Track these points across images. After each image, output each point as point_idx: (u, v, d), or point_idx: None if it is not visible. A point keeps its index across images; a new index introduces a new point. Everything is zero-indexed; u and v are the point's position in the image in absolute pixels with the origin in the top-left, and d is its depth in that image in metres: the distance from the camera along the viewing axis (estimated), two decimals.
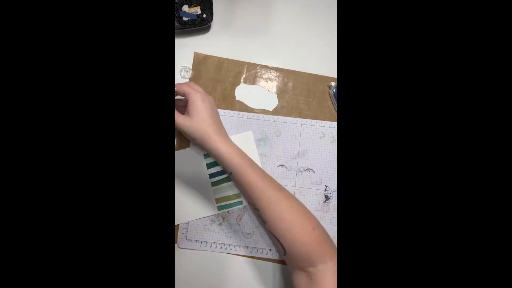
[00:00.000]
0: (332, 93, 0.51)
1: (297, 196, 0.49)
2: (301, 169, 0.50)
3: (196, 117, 0.43)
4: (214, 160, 0.49)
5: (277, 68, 0.53)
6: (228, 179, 0.49)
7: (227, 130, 0.50)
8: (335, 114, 0.51)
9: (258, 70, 0.53)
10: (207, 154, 0.50)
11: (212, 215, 0.48)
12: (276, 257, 0.48)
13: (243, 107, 0.51)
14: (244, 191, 0.44)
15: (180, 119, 0.43)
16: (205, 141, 0.43)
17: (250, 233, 0.48)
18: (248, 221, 0.48)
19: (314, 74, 0.53)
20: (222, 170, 0.49)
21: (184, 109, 0.45)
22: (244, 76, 0.52)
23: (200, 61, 0.52)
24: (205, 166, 0.49)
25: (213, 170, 0.49)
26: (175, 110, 0.45)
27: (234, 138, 0.50)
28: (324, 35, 0.54)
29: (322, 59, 0.53)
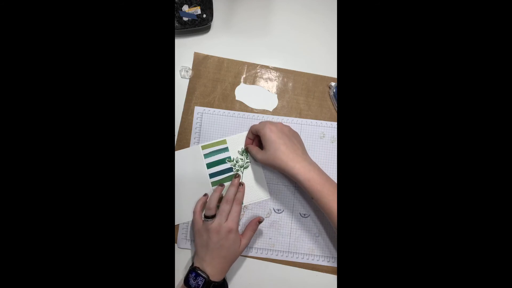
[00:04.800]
0: (332, 93, 0.51)
1: (297, 196, 0.49)
2: None
3: (269, 150, 0.43)
4: (214, 160, 0.49)
5: (277, 68, 0.53)
6: (228, 179, 0.49)
7: (227, 130, 0.50)
8: (335, 114, 0.51)
9: (258, 70, 0.53)
10: (207, 154, 0.50)
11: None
12: (276, 257, 0.48)
13: (243, 107, 0.51)
14: (326, 215, 0.43)
15: (258, 155, 0.45)
16: (285, 170, 0.43)
17: None
18: (248, 221, 0.48)
19: (314, 74, 0.53)
20: (222, 170, 0.49)
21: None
22: (244, 76, 0.52)
23: (200, 61, 0.52)
24: (205, 166, 0.49)
25: (213, 170, 0.49)
26: (255, 146, 0.47)
27: (234, 138, 0.50)
28: (324, 35, 0.54)
29: (322, 59, 0.53)
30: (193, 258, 0.47)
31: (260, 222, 0.46)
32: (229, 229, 0.43)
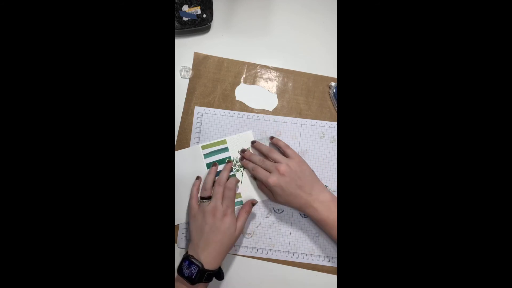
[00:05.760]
0: (332, 93, 0.51)
1: None
2: None
3: (280, 201, 0.45)
4: (214, 160, 0.49)
5: (277, 68, 0.53)
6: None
7: (227, 130, 0.50)
8: (335, 114, 0.51)
9: (258, 70, 0.53)
10: (207, 154, 0.50)
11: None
12: (276, 257, 0.48)
13: (243, 107, 0.51)
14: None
15: (272, 199, 0.47)
16: (301, 210, 0.45)
17: (250, 233, 0.48)
18: (248, 221, 0.48)
19: (314, 74, 0.53)
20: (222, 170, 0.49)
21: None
22: (244, 76, 0.52)
23: (200, 61, 0.52)
24: (205, 166, 0.49)
25: None
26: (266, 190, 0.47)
27: (234, 138, 0.50)
28: (324, 35, 0.54)
29: (322, 59, 0.53)
30: (187, 247, 0.47)
31: (253, 204, 0.46)
32: (224, 212, 0.43)
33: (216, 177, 0.47)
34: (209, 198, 0.44)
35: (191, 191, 0.47)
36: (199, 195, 0.46)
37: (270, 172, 0.45)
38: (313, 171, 0.46)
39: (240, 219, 0.44)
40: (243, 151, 0.49)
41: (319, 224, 0.44)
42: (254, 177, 0.48)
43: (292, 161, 0.45)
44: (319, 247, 0.48)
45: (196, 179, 0.48)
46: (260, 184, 0.48)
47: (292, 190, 0.43)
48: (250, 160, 0.48)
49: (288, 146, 0.47)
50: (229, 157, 0.50)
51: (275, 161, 0.46)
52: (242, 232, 0.45)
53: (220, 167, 0.49)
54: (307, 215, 0.45)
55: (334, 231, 0.43)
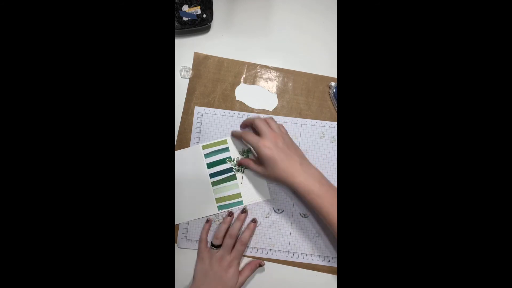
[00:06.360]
0: (332, 93, 0.51)
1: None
2: None
3: (267, 168, 0.44)
4: (215, 160, 0.49)
5: (277, 68, 0.53)
6: (228, 179, 0.49)
7: (227, 130, 0.50)
8: (335, 114, 0.51)
9: (258, 70, 0.53)
10: (207, 154, 0.50)
11: (212, 215, 0.48)
12: (276, 257, 0.48)
13: (243, 107, 0.51)
14: (328, 226, 0.43)
15: (258, 170, 0.46)
16: (286, 185, 0.44)
17: None
18: (248, 221, 0.48)
19: (314, 74, 0.53)
20: (222, 170, 0.49)
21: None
22: (244, 76, 0.52)
23: (200, 61, 0.52)
24: (206, 166, 0.49)
25: (213, 170, 0.49)
26: (251, 161, 0.47)
27: (235, 138, 0.50)
28: (324, 35, 0.54)
29: (322, 59, 0.53)
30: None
31: (260, 265, 0.46)
32: (230, 263, 0.44)
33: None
34: (219, 246, 0.46)
35: (201, 234, 0.47)
36: (211, 241, 0.47)
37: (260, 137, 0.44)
38: (300, 149, 0.46)
39: (243, 275, 0.45)
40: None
41: (306, 196, 0.42)
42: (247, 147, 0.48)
43: (286, 135, 0.45)
44: (319, 247, 0.48)
45: (206, 222, 0.48)
46: (248, 161, 0.48)
47: (283, 156, 0.43)
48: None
49: (281, 124, 0.48)
50: (230, 157, 0.50)
51: (270, 127, 0.46)
52: (242, 287, 0.45)
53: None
54: (294, 187, 0.42)
55: (324, 201, 0.41)
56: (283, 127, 0.48)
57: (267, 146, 0.43)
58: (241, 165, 0.49)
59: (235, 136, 0.49)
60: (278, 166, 0.42)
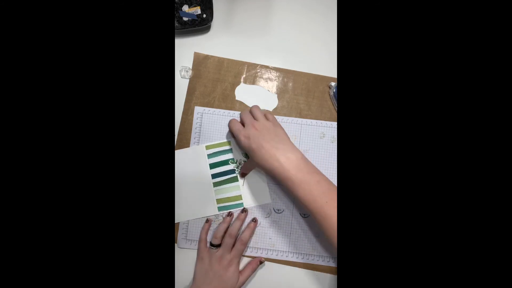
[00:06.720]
0: (332, 93, 0.51)
1: None
2: None
3: (252, 158, 0.43)
4: (218, 161, 0.49)
5: (277, 68, 0.53)
6: (230, 181, 0.49)
7: (227, 130, 0.50)
8: (335, 114, 0.51)
9: (258, 70, 0.53)
10: (211, 154, 0.50)
11: (212, 215, 0.48)
12: (276, 257, 0.48)
13: (243, 107, 0.51)
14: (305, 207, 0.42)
15: (248, 161, 0.47)
16: (267, 172, 0.42)
17: None
18: (248, 221, 0.48)
19: (314, 74, 0.53)
20: (225, 171, 0.49)
21: None
22: (244, 76, 0.52)
23: (200, 61, 0.52)
24: (208, 166, 0.49)
25: (216, 170, 0.49)
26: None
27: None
28: (324, 35, 0.54)
29: (322, 59, 0.53)
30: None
31: (261, 262, 0.46)
32: (230, 262, 0.44)
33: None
34: (219, 246, 0.46)
35: (200, 234, 0.48)
36: (210, 241, 0.47)
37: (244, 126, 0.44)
38: (286, 135, 0.45)
39: (244, 274, 0.45)
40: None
41: (283, 183, 0.41)
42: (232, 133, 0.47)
43: (269, 123, 0.44)
44: (319, 247, 0.48)
45: (206, 222, 0.48)
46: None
47: (262, 143, 0.42)
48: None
49: (270, 112, 0.48)
50: (232, 159, 0.50)
51: (254, 117, 0.45)
52: (243, 286, 0.45)
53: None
54: (273, 174, 0.42)
55: (299, 189, 0.40)
56: (269, 113, 0.46)
57: (245, 135, 0.43)
58: (244, 175, 0.49)
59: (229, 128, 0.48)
60: (256, 154, 0.42)
